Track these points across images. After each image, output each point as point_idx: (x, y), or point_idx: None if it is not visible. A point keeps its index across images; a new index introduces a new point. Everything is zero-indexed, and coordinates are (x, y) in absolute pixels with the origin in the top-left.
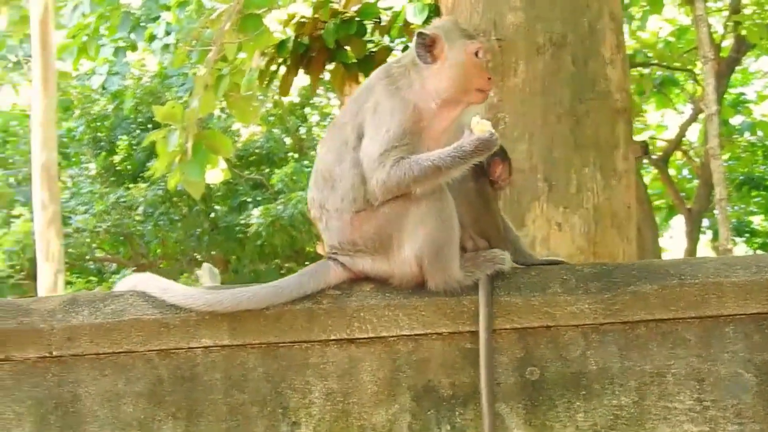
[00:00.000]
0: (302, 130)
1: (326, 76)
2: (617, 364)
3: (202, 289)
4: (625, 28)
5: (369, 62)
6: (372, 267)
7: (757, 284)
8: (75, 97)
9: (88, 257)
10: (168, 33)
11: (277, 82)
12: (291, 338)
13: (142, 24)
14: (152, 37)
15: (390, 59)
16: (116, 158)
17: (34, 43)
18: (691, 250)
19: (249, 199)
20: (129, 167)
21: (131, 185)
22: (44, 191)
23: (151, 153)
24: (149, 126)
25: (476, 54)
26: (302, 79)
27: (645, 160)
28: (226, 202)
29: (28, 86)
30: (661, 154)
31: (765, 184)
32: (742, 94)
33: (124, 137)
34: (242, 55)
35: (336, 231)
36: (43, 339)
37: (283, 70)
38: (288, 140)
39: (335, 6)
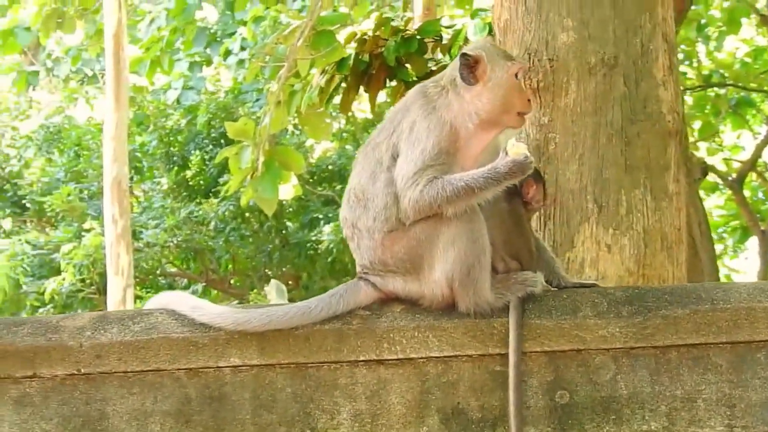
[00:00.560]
0: None
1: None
2: (648, 388)
3: (231, 308)
4: (702, 48)
5: None
6: (403, 287)
7: None
8: (150, 111)
9: (158, 272)
10: (243, 48)
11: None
12: (320, 358)
13: (218, 39)
14: (228, 53)
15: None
16: (189, 173)
17: (107, 58)
18: (765, 272)
19: (320, 216)
20: (201, 182)
21: (203, 200)
22: (115, 205)
23: (224, 168)
24: (222, 141)
25: (516, 75)
26: (380, 96)
27: (720, 181)
28: (298, 218)
29: (102, 100)
30: (735, 175)
31: None
32: None
33: (197, 152)
34: (315, 72)
35: (367, 250)
36: (71, 356)
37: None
38: None
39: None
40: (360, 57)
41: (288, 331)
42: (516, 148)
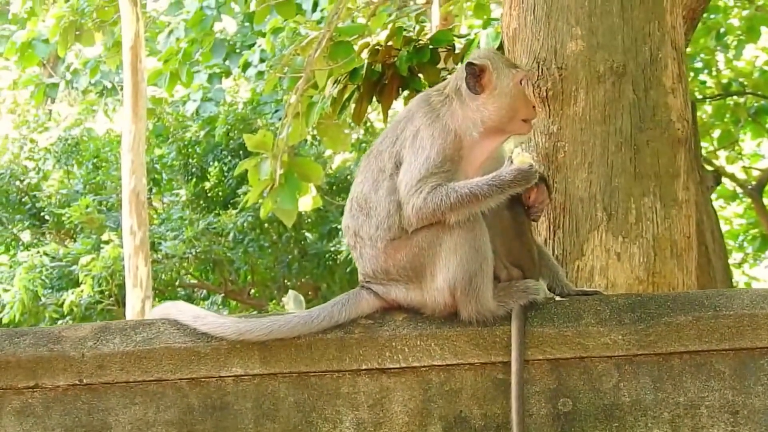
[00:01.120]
0: None
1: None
2: (650, 395)
3: (233, 318)
4: (721, 57)
5: None
6: (405, 296)
7: None
8: (170, 123)
9: (177, 283)
10: (263, 60)
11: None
12: (322, 367)
13: (237, 51)
14: (247, 65)
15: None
16: (207, 185)
17: (125, 70)
18: None
19: (339, 226)
20: (220, 194)
21: (221, 212)
22: (133, 217)
23: (242, 180)
24: (241, 153)
25: (521, 82)
26: (394, 105)
27: (740, 190)
28: (317, 228)
29: (121, 112)
30: (755, 183)
31: None
32: None
33: (216, 164)
34: (328, 82)
35: (370, 259)
36: (73, 366)
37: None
38: None
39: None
40: (373, 67)
41: (290, 341)
42: (521, 157)
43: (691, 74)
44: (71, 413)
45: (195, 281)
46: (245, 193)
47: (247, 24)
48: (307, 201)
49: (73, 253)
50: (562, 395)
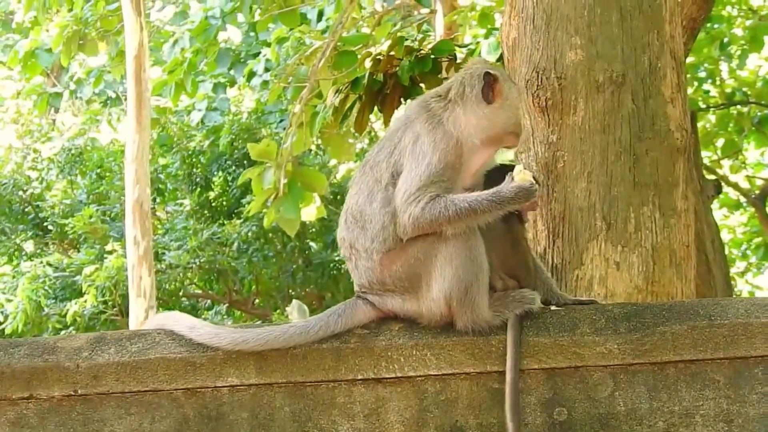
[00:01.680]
0: None
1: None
2: (646, 404)
3: (228, 328)
4: (724, 66)
5: None
6: (401, 306)
7: None
8: (174, 132)
9: (181, 293)
10: (267, 69)
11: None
12: (318, 377)
13: (242, 60)
14: (252, 74)
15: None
16: (211, 194)
17: (128, 79)
18: None
19: None
20: (224, 203)
21: (226, 221)
22: (136, 227)
23: (247, 189)
24: (245, 162)
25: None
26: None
27: (743, 199)
28: (321, 238)
29: (125, 122)
30: (758, 192)
31: None
32: None
33: (220, 173)
34: (330, 91)
35: (365, 271)
36: (68, 377)
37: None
38: None
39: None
40: (374, 76)
41: (286, 351)
42: (522, 174)
43: (695, 84)
44: (66, 424)
45: (199, 291)
46: (249, 203)
47: (251, 33)
48: (311, 211)
49: (77, 263)
50: (557, 404)
